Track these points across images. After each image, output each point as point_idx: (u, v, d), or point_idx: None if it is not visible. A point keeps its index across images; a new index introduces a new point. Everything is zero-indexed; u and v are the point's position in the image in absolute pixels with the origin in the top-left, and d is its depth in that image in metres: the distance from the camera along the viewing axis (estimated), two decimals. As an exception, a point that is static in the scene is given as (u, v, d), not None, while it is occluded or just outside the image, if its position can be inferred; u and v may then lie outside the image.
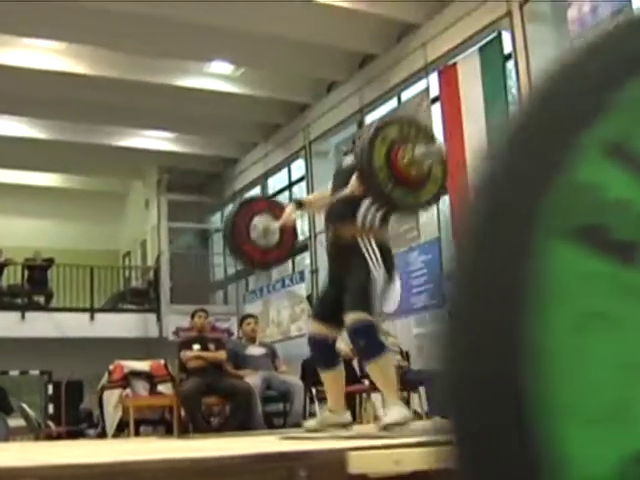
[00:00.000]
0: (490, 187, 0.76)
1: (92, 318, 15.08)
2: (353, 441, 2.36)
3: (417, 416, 6.83)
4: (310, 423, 3.83)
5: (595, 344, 0.72)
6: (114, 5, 9.86)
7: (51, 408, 13.59)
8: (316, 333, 3.88)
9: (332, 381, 3.90)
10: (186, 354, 6.99)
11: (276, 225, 4.30)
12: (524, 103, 0.82)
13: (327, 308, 3.86)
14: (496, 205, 0.74)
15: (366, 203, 3.79)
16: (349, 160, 4.00)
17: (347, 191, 3.82)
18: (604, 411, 0.71)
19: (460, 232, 0.77)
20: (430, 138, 3.85)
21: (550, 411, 0.70)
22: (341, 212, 3.85)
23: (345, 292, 3.72)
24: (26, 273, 15.27)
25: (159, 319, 15.80)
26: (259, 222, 4.36)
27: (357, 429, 3.89)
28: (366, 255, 3.72)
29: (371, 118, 12.47)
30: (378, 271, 3.70)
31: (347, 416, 3.81)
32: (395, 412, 3.57)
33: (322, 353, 3.90)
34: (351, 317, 3.64)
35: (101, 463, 1.63)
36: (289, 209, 4.25)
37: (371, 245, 3.74)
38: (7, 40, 11.48)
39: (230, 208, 4.67)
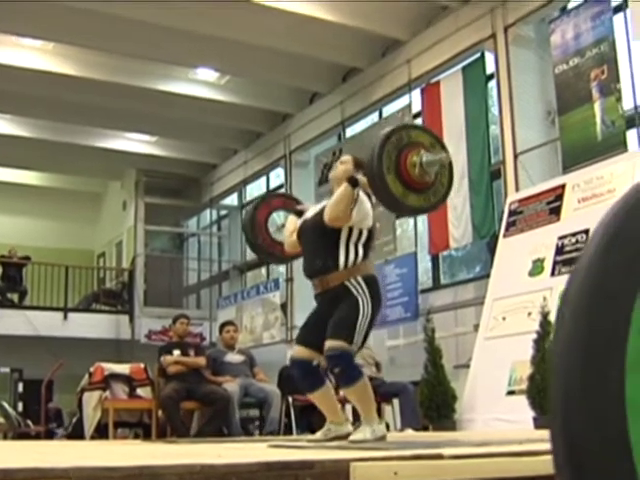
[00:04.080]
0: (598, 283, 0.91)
1: (65, 317, 15.06)
2: (355, 452, 2.47)
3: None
4: (315, 436, 3.92)
5: None
6: (103, 7, 9.91)
7: (20, 406, 13.56)
8: (298, 357, 3.93)
9: (321, 400, 3.96)
10: (166, 358, 7.05)
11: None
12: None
13: (310, 333, 3.92)
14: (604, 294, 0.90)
15: (344, 239, 3.82)
16: (317, 208, 4.02)
17: (326, 217, 3.79)
18: None
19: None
20: (440, 147, 3.92)
21: None
22: (323, 263, 3.84)
23: (330, 322, 3.78)
24: (1, 270, 15.23)
25: (132, 321, 15.79)
26: (277, 218, 4.51)
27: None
28: (355, 294, 3.79)
29: (352, 131, 12.63)
30: (366, 305, 3.77)
31: (349, 427, 3.91)
32: (366, 431, 3.71)
33: (305, 376, 3.93)
34: (329, 344, 3.71)
35: (130, 466, 1.74)
36: (291, 222, 4.23)
37: (359, 283, 3.80)
38: (-7, 37, 11.49)
39: (251, 204, 4.79)
